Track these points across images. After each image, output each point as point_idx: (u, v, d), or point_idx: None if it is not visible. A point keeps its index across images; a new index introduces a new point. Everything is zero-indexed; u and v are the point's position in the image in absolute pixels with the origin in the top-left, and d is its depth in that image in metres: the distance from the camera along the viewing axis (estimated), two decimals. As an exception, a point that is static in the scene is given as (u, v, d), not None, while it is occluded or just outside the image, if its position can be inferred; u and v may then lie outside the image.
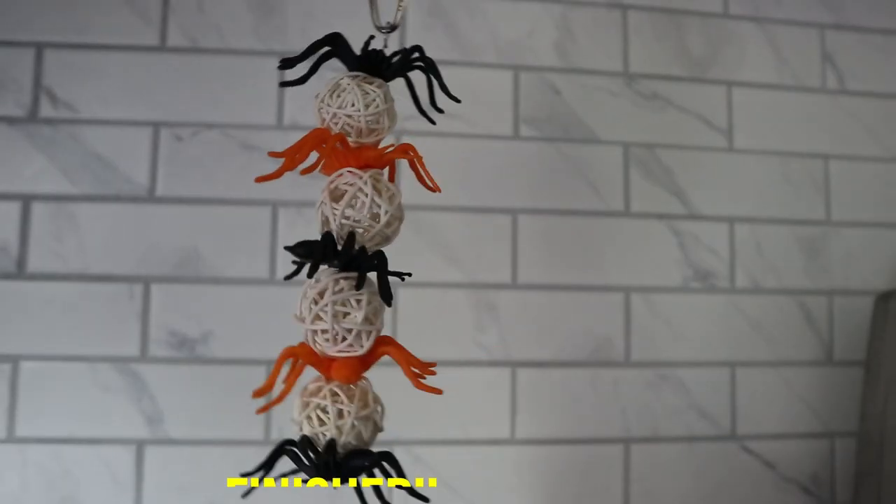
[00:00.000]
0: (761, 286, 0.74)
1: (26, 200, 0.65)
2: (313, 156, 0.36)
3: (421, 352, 0.36)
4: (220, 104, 0.68)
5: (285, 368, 0.36)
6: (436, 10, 0.72)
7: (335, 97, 0.36)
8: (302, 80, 0.36)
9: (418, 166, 0.37)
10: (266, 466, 0.34)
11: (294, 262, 0.35)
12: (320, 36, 0.38)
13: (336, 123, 0.36)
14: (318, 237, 0.35)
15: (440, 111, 0.39)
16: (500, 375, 0.69)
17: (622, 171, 0.73)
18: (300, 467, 0.34)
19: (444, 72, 0.41)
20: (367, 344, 0.34)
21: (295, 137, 0.71)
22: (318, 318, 0.34)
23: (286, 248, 0.35)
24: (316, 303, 0.34)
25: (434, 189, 0.37)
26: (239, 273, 0.67)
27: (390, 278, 0.35)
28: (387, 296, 0.34)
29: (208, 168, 0.68)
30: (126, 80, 0.68)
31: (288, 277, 0.35)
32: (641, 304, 0.72)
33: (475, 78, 0.72)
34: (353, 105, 0.35)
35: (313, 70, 0.36)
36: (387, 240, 0.36)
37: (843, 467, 0.73)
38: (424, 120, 0.40)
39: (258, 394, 0.34)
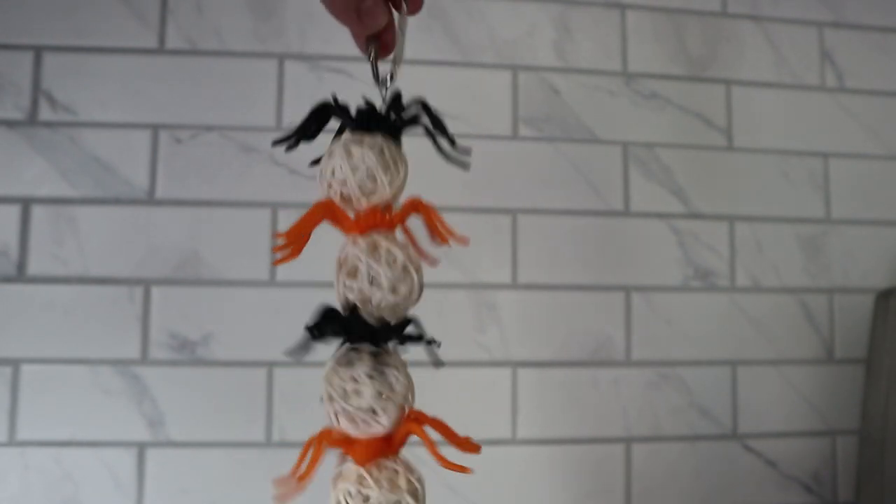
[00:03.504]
0: (762, 285, 0.74)
1: (26, 203, 0.65)
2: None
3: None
4: (219, 106, 0.68)
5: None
6: (435, 11, 0.72)
7: (327, 164, 0.34)
8: (294, 145, 0.35)
9: (433, 218, 0.35)
10: None
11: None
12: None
13: (334, 191, 0.34)
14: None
15: (453, 143, 0.38)
16: (500, 375, 0.69)
17: (622, 170, 0.73)
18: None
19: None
20: (386, 422, 0.32)
21: (294, 139, 0.71)
22: (330, 398, 0.32)
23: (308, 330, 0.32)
24: (330, 383, 0.32)
25: (449, 241, 0.35)
26: (239, 275, 0.67)
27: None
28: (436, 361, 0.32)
29: (208, 170, 0.68)
30: (125, 83, 0.68)
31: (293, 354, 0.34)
32: (642, 304, 0.72)
33: (474, 78, 0.72)
34: (340, 170, 0.33)
35: (303, 136, 0.35)
36: (398, 308, 0.34)
37: (845, 465, 0.73)
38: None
39: (286, 489, 0.33)
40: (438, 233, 0.36)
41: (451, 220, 0.75)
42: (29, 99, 0.66)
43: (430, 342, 0.34)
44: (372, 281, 0.33)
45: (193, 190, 0.67)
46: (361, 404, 0.32)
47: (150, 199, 0.67)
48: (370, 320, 0.32)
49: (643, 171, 0.73)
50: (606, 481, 0.69)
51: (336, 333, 0.32)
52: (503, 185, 0.71)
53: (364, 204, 0.34)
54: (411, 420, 0.33)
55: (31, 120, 0.66)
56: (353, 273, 0.33)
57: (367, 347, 0.32)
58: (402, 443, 0.34)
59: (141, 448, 0.64)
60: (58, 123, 0.66)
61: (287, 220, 0.68)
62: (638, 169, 0.73)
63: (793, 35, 0.77)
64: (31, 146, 0.66)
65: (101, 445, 0.64)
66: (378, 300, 0.33)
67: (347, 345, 0.33)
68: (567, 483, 0.69)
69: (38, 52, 0.67)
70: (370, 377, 0.32)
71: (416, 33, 0.72)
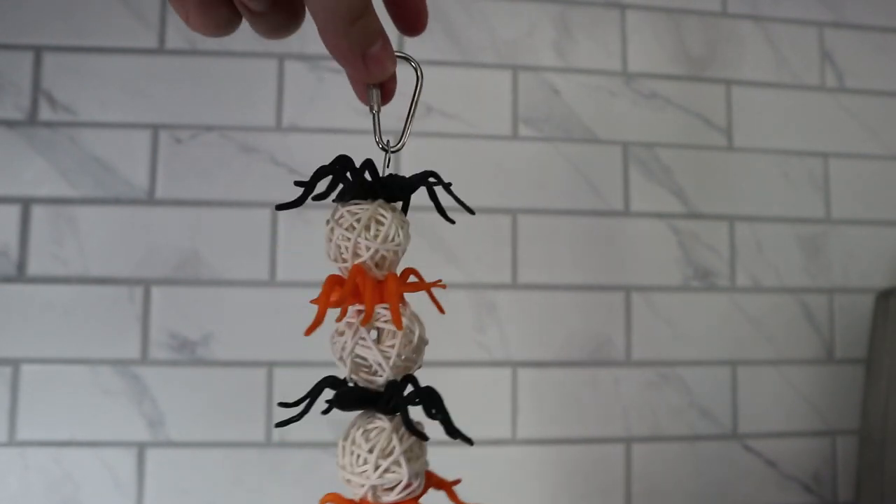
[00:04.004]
0: (762, 285, 0.74)
1: (26, 203, 0.65)
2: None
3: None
4: (219, 106, 0.68)
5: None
6: (434, 11, 0.72)
7: (373, 231, 0.33)
8: (299, 203, 0.34)
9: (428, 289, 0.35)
10: None
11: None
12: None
13: (372, 258, 0.33)
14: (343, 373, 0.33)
15: (451, 221, 0.38)
16: (500, 375, 0.69)
17: (622, 170, 0.73)
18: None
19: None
20: (423, 483, 0.33)
21: (294, 139, 0.72)
22: (387, 469, 0.31)
23: (331, 401, 0.32)
24: (384, 454, 0.31)
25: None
26: (239, 275, 0.67)
27: None
28: (463, 437, 0.32)
29: (208, 170, 0.68)
30: (125, 83, 0.68)
31: (303, 410, 0.33)
32: (642, 304, 0.72)
33: (474, 78, 0.72)
34: (392, 239, 0.33)
35: (309, 194, 0.34)
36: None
37: (845, 465, 0.73)
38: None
39: None
40: (436, 303, 0.36)
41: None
42: (29, 99, 0.66)
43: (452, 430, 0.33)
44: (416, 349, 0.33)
45: (193, 190, 0.67)
46: (419, 469, 0.32)
47: (150, 199, 0.67)
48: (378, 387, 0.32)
49: (643, 171, 0.73)
50: (606, 481, 0.69)
51: (355, 404, 0.32)
52: (503, 185, 0.71)
53: (392, 268, 0.34)
54: (429, 478, 0.34)
55: (31, 120, 0.66)
56: (407, 342, 0.33)
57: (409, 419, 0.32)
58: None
59: (141, 448, 0.64)
60: (58, 123, 0.66)
61: (287, 220, 0.68)
62: (638, 169, 0.73)
63: (793, 35, 0.77)
64: (31, 146, 0.66)
65: (101, 445, 0.64)
66: (417, 367, 0.33)
67: (371, 414, 0.33)
68: (567, 483, 0.69)
69: (38, 52, 0.67)
70: (406, 453, 0.32)
71: (416, 33, 0.72)
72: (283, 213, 0.68)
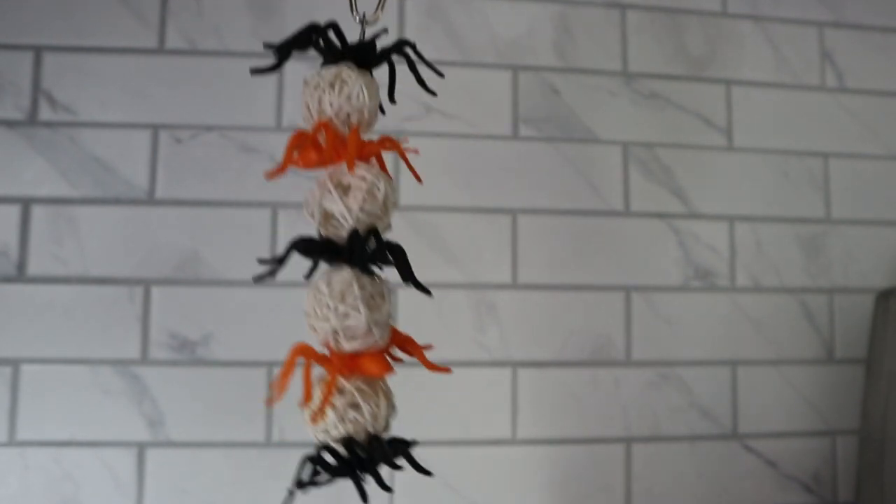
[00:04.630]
0: (762, 285, 0.74)
1: (26, 203, 0.65)
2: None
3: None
4: (219, 106, 0.68)
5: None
6: (434, 11, 0.72)
7: (337, 89, 0.36)
8: (276, 68, 0.36)
9: (403, 154, 0.38)
10: (308, 483, 0.33)
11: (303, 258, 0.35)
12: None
13: (338, 115, 0.35)
14: (314, 233, 0.35)
15: (432, 93, 0.39)
16: (500, 375, 0.69)
17: (622, 170, 0.73)
18: (334, 473, 0.34)
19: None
20: (387, 336, 0.34)
21: (294, 139, 0.71)
22: (346, 314, 0.33)
23: (295, 245, 0.34)
24: (343, 299, 0.33)
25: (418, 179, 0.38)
26: (239, 275, 0.67)
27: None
28: (420, 287, 0.34)
29: (208, 170, 0.68)
30: (125, 83, 0.68)
31: (277, 262, 0.35)
32: (642, 304, 0.72)
33: (474, 78, 0.72)
34: (357, 97, 0.35)
35: (286, 57, 0.36)
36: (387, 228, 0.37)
37: (845, 465, 0.73)
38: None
39: (273, 400, 0.34)
40: (411, 169, 0.38)
41: (451, 220, 0.75)
42: (29, 99, 0.66)
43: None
44: (383, 207, 0.35)
45: (193, 190, 0.67)
46: (381, 319, 0.34)
47: (150, 199, 0.67)
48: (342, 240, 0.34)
49: (643, 171, 0.73)
50: (606, 481, 0.69)
51: (356, 256, 0.34)
52: (503, 185, 0.71)
53: (364, 131, 0.36)
54: (396, 335, 0.36)
55: (31, 120, 0.66)
56: (367, 198, 0.35)
57: (348, 268, 0.34)
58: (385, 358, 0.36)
59: (141, 448, 0.64)
60: (58, 123, 0.66)
61: (287, 221, 0.68)
62: (638, 169, 0.73)
63: (793, 35, 0.77)
64: (31, 146, 0.66)
65: (101, 445, 0.64)
66: (385, 225, 0.35)
67: (328, 266, 0.35)
68: (567, 483, 0.69)
69: (38, 52, 0.67)
70: (365, 300, 0.33)
71: (416, 33, 0.72)
72: (282, 215, 0.68)
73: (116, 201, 0.66)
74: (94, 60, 0.67)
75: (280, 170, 0.34)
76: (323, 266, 0.36)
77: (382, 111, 0.38)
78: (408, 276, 0.35)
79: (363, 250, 0.34)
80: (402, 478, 0.66)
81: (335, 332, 0.33)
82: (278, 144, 0.68)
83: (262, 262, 0.37)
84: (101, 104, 0.67)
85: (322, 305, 0.33)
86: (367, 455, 0.33)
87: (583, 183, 0.72)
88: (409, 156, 0.38)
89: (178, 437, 0.65)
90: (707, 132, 0.75)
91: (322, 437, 0.34)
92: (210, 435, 0.65)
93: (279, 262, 0.34)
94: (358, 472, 0.33)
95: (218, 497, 0.64)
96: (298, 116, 0.69)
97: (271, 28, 0.70)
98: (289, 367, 0.34)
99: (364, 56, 0.36)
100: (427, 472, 0.35)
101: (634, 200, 0.73)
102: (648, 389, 0.71)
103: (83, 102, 0.67)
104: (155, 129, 0.67)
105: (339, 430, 0.34)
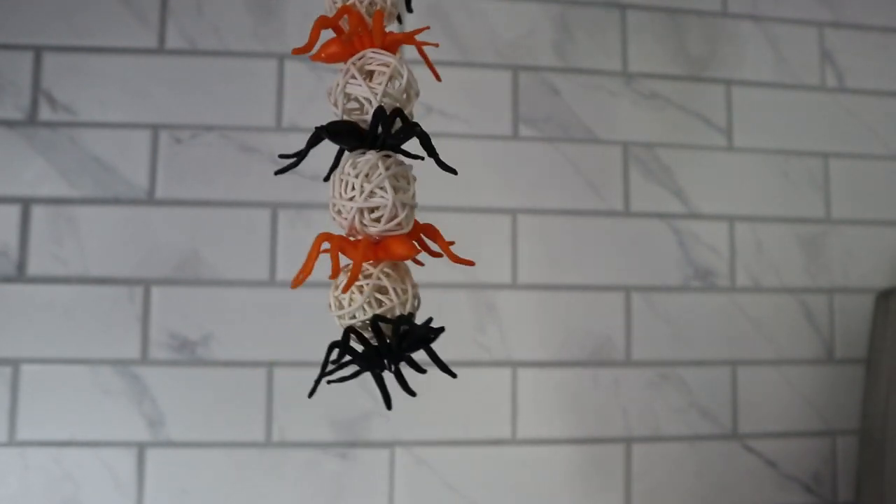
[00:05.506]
0: (762, 285, 0.74)
1: (26, 204, 0.65)
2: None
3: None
4: (219, 106, 0.68)
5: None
6: (435, 11, 0.72)
7: None
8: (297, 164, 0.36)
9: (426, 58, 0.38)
10: (330, 370, 0.33)
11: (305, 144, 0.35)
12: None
13: (361, 2, 0.36)
14: (330, 122, 0.35)
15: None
16: (500, 375, 0.69)
17: (622, 170, 0.73)
18: (360, 359, 0.33)
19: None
20: (412, 222, 0.34)
21: (294, 139, 0.72)
22: (372, 193, 0.33)
23: (322, 129, 0.34)
24: (369, 178, 0.33)
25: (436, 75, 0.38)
26: (239, 275, 0.67)
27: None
28: (445, 167, 0.35)
29: (207, 170, 0.68)
30: (125, 83, 0.68)
31: (298, 157, 0.35)
32: (642, 304, 0.72)
33: (474, 78, 0.72)
34: None
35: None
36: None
37: (845, 465, 0.73)
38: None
39: (297, 282, 0.33)
40: (430, 65, 0.39)
41: (451, 220, 0.75)
42: (29, 99, 0.66)
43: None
44: (406, 92, 0.35)
45: (193, 190, 0.67)
46: (406, 201, 0.34)
47: (150, 199, 0.67)
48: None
49: (643, 171, 0.73)
50: (606, 481, 0.69)
51: (344, 135, 0.34)
52: (503, 185, 0.71)
53: (386, 22, 0.36)
54: (418, 224, 0.36)
55: (31, 120, 0.66)
56: (390, 81, 0.35)
57: (375, 152, 0.34)
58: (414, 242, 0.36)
59: (141, 448, 0.64)
60: (58, 123, 0.66)
61: (287, 221, 0.68)
62: (638, 169, 0.73)
63: (793, 35, 0.77)
64: (31, 146, 0.66)
65: (101, 445, 0.64)
66: (409, 110, 0.35)
67: (355, 152, 0.35)
68: (567, 483, 0.69)
69: (38, 52, 0.67)
70: (390, 180, 0.33)
71: (416, 33, 0.72)
72: (282, 214, 0.68)
73: (116, 201, 0.66)
74: (94, 60, 0.67)
75: (306, 49, 0.34)
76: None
77: (400, 20, 0.39)
78: (433, 155, 0.35)
79: (388, 130, 0.34)
80: (402, 478, 0.66)
81: (360, 213, 0.33)
82: (278, 144, 0.68)
83: (283, 156, 0.36)
84: (101, 104, 0.67)
85: (347, 186, 0.33)
86: (395, 339, 0.33)
87: (583, 183, 0.72)
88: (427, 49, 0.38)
89: (178, 437, 0.65)
90: (707, 132, 0.75)
91: (348, 322, 0.34)
92: (210, 435, 0.65)
93: (304, 152, 0.34)
94: (386, 361, 0.33)
95: (218, 497, 0.64)
96: (298, 116, 0.69)
97: (271, 28, 0.70)
98: (315, 250, 0.33)
99: None
100: (452, 374, 0.34)
101: (634, 200, 0.73)
102: (648, 389, 0.71)
103: (83, 102, 0.67)
104: (155, 129, 0.67)
105: (365, 314, 0.33)
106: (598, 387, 0.70)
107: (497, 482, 0.68)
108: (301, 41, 0.72)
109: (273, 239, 0.67)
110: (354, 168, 0.34)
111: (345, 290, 0.33)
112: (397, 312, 0.34)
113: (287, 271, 0.67)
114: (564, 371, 0.70)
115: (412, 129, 0.34)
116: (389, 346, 0.33)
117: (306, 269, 0.34)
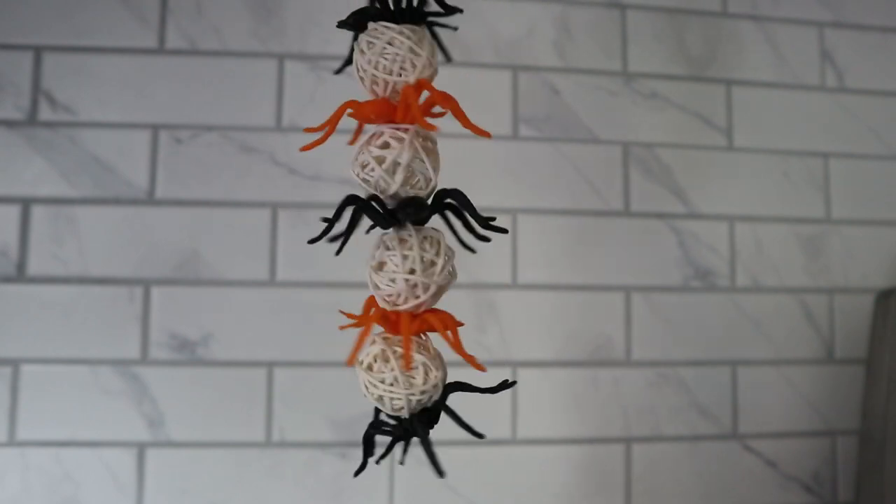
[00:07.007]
0: (762, 285, 0.74)
1: (26, 204, 0.65)
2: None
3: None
4: (219, 106, 0.68)
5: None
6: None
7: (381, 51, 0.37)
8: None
9: (458, 110, 0.39)
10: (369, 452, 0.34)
11: (326, 220, 0.35)
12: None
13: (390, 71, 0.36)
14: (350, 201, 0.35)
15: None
16: (501, 375, 0.69)
17: (622, 170, 0.73)
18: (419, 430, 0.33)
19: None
20: (428, 300, 0.36)
21: (294, 139, 0.72)
22: (432, 263, 0.35)
23: (361, 204, 0.34)
24: (448, 256, 0.35)
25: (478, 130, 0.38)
26: (239, 275, 0.67)
27: None
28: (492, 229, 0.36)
29: (208, 170, 0.68)
30: (125, 83, 0.68)
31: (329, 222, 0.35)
32: (642, 304, 0.72)
33: (474, 78, 0.72)
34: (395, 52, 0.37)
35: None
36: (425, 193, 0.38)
37: (845, 465, 0.73)
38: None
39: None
40: (468, 123, 0.39)
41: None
42: (28, 99, 0.66)
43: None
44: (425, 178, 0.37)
45: (193, 190, 0.67)
46: (438, 273, 0.35)
47: (150, 199, 0.67)
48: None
49: (643, 171, 0.73)
50: (606, 481, 0.69)
51: (417, 210, 0.36)
52: (503, 185, 0.71)
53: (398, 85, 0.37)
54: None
55: (31, 120, 0.66)
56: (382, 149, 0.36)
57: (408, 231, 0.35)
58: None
59: (141, 448, 0.64)
60: (58, 123, 0.66)
61: (287, 221, 0.68)
62: (638, 169, 0.73)
63: (793, 35, 0.77)
64: (31, 146, 0.66)
65: (101, 445, 0.64)
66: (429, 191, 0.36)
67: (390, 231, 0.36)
68: (567, 483, 0.69)
69: (38, 52, 0.67)
70: (447, 256, 0.36)
71: (416, 33, 0.72)
72: (282, 215, 0.68)
73: (116, 201, 0.66)
74: (94, 60, 0.67)
75: (323, 135, 0.34)
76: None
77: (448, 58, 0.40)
78: (477, 218, 0.38)
79: (455, 208, 0.35)
80: (402, 478, 0.66)
81: (413, 286, 0.33)
82: (278, 144, 0.68)
83: (324, 220, 0.36)
84: (101, 104, 0.67)
85: (429, 264, 0.34)
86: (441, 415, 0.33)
87: (583, 183, 0.72)
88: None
89: (178, 437, 0.65)
90: (707, 132, 0.75)
91: (419, 398, 0.34)
92: (210, 435, 0.65)
93: (352, 224, 0.35)
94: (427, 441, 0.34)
95: (218, 497, 0.64)
96: (298, 116, 0.69)
97: (271, 28, 0.70)
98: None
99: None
100: (479, 435, 0.35)
101: (634, 200, 0.73)
102: (648, 389, 0.71)
103: (83, 102, 0.67)
104: (155, 129, 0.67)
105: (426, 387, 0.34)
106: (598, 387, 0.70)
107: (497, 482, 0.68)
108: (301, 40, 0.72)
109: (273, 239, 0.67)
110: (432, 245, 0.36)
111: (407, 367, 0.34)
112: (436, 392, 0.35)
113: (287, 271, 0.67)
114: (564, 371, 0.70)
115: (456, 193, 0.36)
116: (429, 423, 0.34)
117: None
